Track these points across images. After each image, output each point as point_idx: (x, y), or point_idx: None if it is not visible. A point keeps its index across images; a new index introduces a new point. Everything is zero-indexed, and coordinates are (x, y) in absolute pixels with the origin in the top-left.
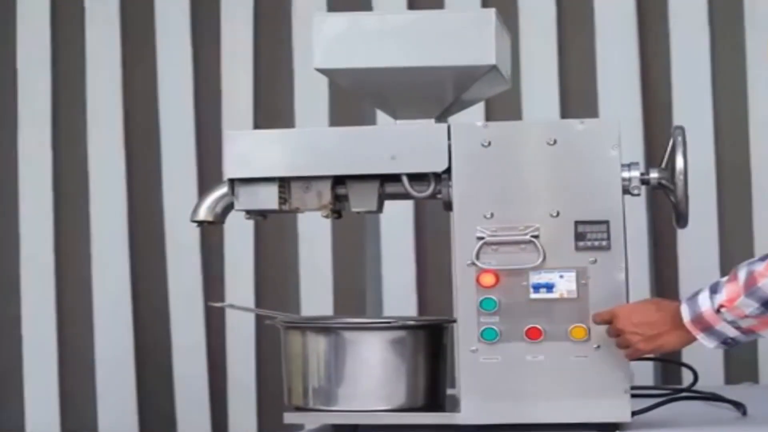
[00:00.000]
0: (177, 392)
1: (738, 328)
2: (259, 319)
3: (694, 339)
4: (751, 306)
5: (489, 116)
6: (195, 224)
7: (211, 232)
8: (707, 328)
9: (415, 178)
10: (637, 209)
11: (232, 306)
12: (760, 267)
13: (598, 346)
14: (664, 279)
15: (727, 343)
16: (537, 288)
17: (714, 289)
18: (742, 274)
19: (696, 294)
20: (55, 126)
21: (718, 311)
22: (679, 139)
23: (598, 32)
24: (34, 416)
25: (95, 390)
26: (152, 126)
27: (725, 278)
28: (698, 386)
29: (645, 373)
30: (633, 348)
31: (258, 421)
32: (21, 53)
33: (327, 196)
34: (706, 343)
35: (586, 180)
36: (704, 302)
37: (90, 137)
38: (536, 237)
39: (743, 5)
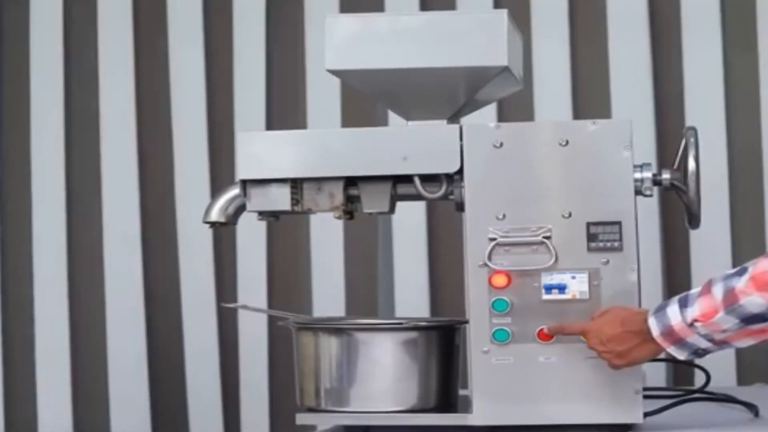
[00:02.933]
0: (189, 393)
1: (711, 340)
2: (272, 320)
3: (663, 350)
4: (730, 322)
5: (501, 117)
6: (207, 225)
7: (223, 233)
8: (678, 341)
9: (427, 179)
10: (650, 210)
11: (244, 307)
12: (740, 283)
13: None
14: (677, 280)
15: (697, 353)
16: (549, 289)
17: (684, 303)
18: (718, 289)
19: (663, 307)
20: (68, 126)
21: (691, 325)
22: (692, 140)
23: (611, 33)
24: (46, 418)
25: (108, 392)
26: (165, 127)
27: (695, 290)
28: (710, 387)
29: (657, 374)
30: (609, 364)
31: (270, 422)
32: (34, 53)
33: (339, 197)
34: (676, 354)
35: (598, 181)
36: (674, 316)
37: (102, 138)
38: (548, 238)
39: (756, 5)
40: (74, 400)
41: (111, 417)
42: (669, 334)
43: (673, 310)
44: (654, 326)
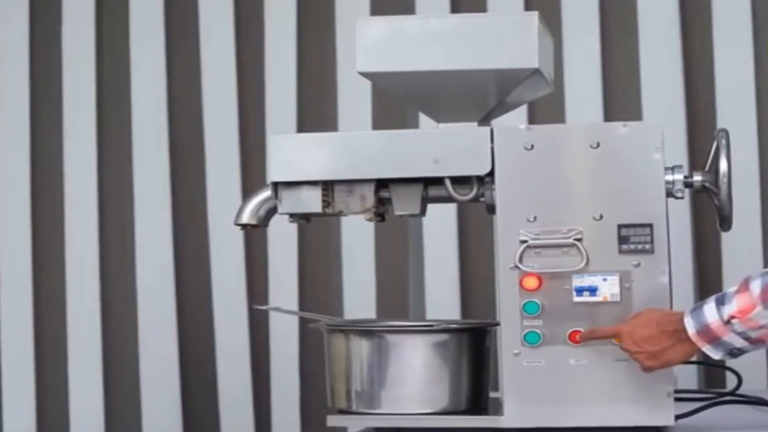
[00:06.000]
0: (221, 394)
1: (747, 338)
2: (303, 322)
3: (698, 350)
4: (767, 317)
5: (532, 119)
6: (239, 227)
7: (254, 236)
8: (714, 340)
9: (458, 181)
10: (681, 212)
11: (276, 309)
12: None
13: None
14: (708, 282)
15: (732, 353)
16: (580, 291)
17: (721, 301)
18: (755, 285)
19: (700, 306)
20: (100, 127)
21: (728, 322)
22: (723, 142)
23: (642, 35)
24: (78, 418)
25: (140, 392)
26: (196, 130)
27: (732, 289)
28: (742, 390)
29: (688, 376)
30: (642, 365)
31: (301, 424)
32: (66, 56)
33: (370, 200)
34: (711, 354)
35: (630, 183)
36: (711, 314)
37: (134, 140)
38: (579, 240)
39: None
40: (106, 399)
41: (143, 417)
42: (705, 332)
43: (710, 308)
44: (690, 325)
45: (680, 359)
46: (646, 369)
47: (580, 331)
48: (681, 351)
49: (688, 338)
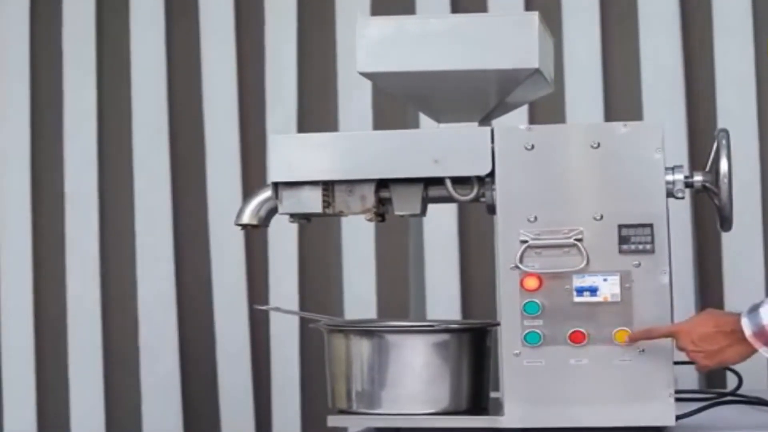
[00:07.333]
0: (221, 394)
1: None
2: (303, 322)
3: (755, 351)
4: None
5: (532, 119)
6: (239, 228)
7: (254, 236)
8: None
9: (459, 181)
10: (681, 212)
11: (277, 309)
12: None
13: (642, 350)
14: (709, 282)
15: None
16: (580, 291)
17: None
18: None
19: (756, 307)
20: (100, 127)
21: None
22: (723, 142)
23: (642, 35)
24: (79, 419)
25: (140, 392)
26: (197, 130)
27: None
28: (743, 390)
29: (689, 376)
30: (698, 364)
31: (302, 424)
32: (66, 58)
33: (371, 200)
34: (767, 355)
35: (630, 183)
36: (766, 316)
37: (135, 141)
38: (580, 240)
39: None
40: (106, 399)
41: (143, 417)
42: (761, 334)
43: (765, 310)
44: (747, 326)
45: (736, 359)
46: (702, 368)
47: (581, 331)
48: (737, 351)
49: (744, 339)
